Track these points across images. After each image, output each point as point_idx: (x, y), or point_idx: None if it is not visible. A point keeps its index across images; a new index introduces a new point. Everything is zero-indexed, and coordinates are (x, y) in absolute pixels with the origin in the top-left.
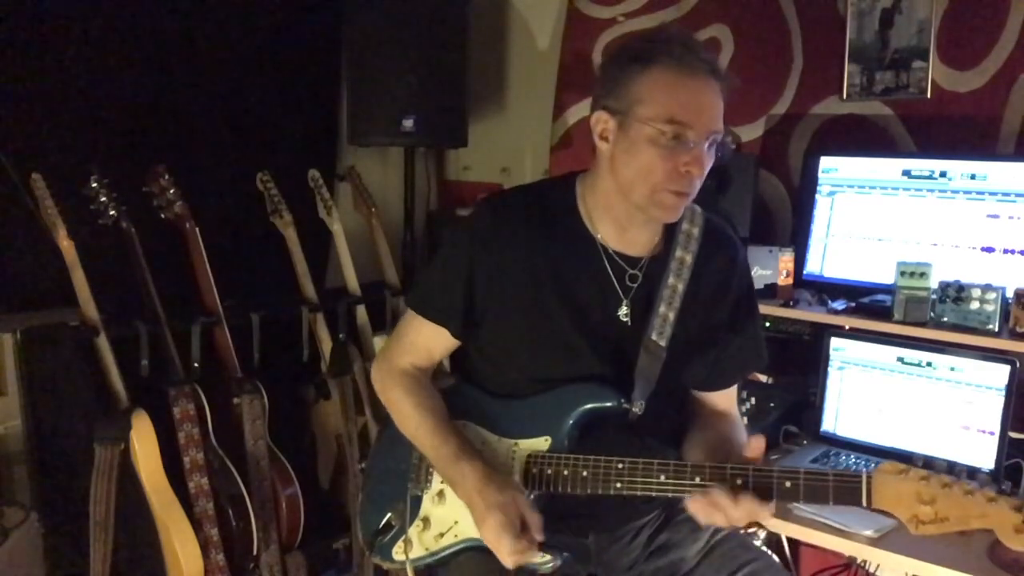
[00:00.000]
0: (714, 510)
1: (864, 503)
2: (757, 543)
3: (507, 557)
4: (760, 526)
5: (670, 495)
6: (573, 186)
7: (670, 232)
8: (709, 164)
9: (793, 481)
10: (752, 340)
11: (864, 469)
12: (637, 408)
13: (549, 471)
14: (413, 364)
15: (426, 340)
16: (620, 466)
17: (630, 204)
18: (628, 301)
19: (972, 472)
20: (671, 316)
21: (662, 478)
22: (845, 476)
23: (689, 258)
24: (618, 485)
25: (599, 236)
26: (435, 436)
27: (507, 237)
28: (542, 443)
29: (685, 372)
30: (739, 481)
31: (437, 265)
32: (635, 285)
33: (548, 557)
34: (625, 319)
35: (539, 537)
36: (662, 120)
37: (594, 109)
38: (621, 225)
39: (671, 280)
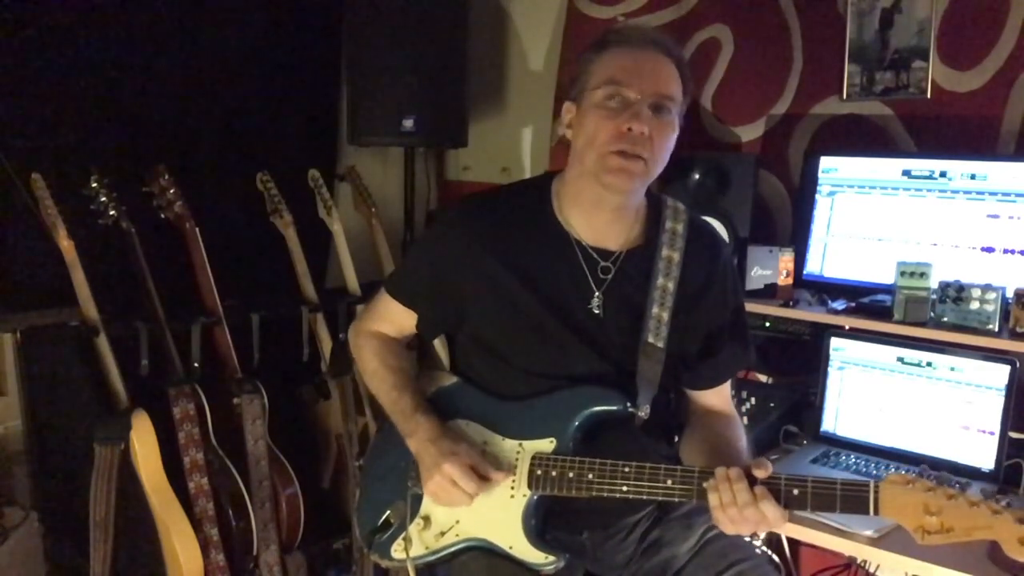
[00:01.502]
0: (732, 506)
1: (871, 512)
2: (757, 542)
3: (458, 495)
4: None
5: (676, 500)
6: (548, 185)
7: (652, 230)
8: (661, 131)
9: (801, 489)
10: (742, 339)
11: (871, 477)
12: (643, 413)
13: (554, 473)
14: (384, 332)
15: (395, 316)
16: (627, 470)
17: (588, 177)
18: (600, 293)
19: (974, 472)
20: (665, 316)
21: (669, 483)
22: (852, 485)
23: (677, 256)
24: (624, 488)
25: (572, 231)
26: (395, 390)
27: (479, 234)
28: (547, 444)
29: (683, 372)
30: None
31: (413, 253)
32: (607, 277)
33: (552, 558)
34: (597, 311)
35: (496, 477)
36: (603, 83)
37: None
38: (591, 214)
39: (660, 280)
